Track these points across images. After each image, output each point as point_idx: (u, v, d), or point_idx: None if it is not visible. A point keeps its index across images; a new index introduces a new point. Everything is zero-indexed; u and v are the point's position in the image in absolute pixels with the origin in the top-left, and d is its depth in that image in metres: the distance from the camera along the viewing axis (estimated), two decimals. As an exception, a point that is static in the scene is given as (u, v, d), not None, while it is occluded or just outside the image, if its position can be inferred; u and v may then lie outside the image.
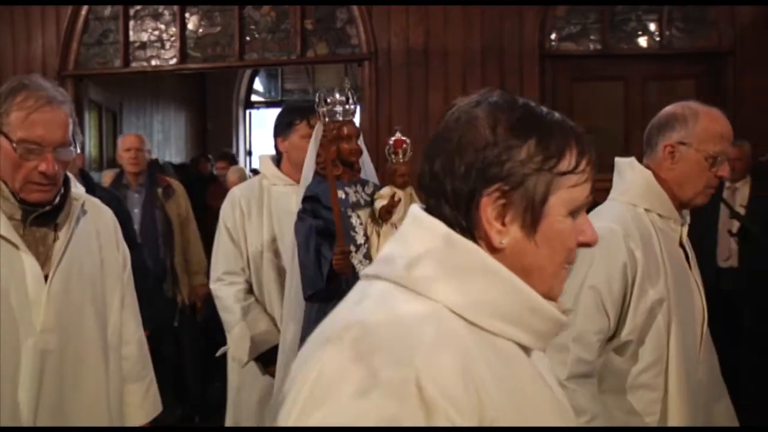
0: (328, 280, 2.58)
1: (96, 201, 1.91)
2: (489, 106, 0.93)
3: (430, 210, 0.94)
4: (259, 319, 2.71)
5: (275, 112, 10.81)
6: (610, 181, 2.00)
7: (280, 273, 2.71)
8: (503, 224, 0.90)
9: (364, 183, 2.93)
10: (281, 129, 2.78)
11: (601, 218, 1.80)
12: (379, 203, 3.48)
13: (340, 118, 2.71)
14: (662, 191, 1.89)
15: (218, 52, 5.75)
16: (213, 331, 4.58)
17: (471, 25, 5.05)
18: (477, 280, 0.89)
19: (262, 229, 2.74)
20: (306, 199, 2.67)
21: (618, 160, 2.00)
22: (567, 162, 0.92)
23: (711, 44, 5.15)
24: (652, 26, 5.29)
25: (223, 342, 2.87)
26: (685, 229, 1.95)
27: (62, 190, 1.72)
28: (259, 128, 10.02)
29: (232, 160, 5.98)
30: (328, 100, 2.69)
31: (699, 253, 4.72)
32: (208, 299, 4.19)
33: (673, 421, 1.77)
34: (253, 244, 2.74)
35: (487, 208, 0.89)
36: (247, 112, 9.77)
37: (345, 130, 2.71)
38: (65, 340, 1.69)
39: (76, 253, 1.74)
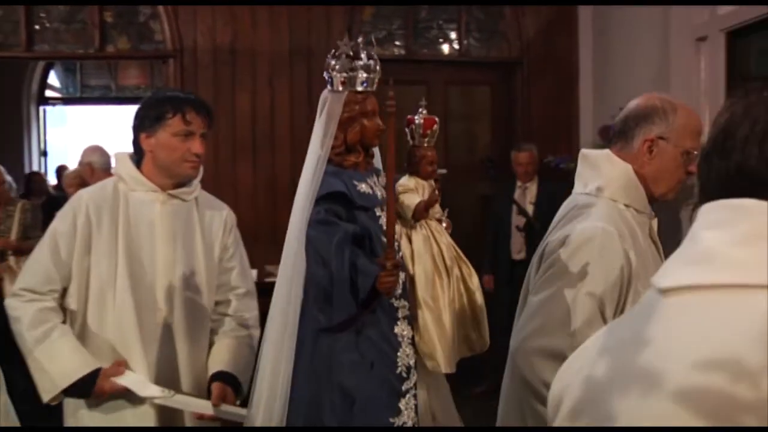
0: (365, 304, 2.09)
1: None
2: None
3: None
4: (58, 346, 2.06)
5: (74, 109, 9.98)
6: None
7: (137, 301, 2.10)
8: None
9: (377, 173, 2.41)
10: (147, 123, 2.14)
11: (588, 218, 1.73)
12: (412, 198, 3.03)
13: (362, 89, 2.21)
14: (640, 186, 1.80)
15: (0, 40, 5.25)
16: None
17: (278, 27, 5.04)
18: None
19: (114, 245, 2.11)
20: (326, 198, 2.13)
21: (589, 152, 1.89)
22: None
23: (503, 54, 5.55)
24: (453, 34, 5.60)
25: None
26: (655, 223, 1.87)
27: None
28: (56, 126, 9.30)
29: None
30: (355, 64, 2.17)
31: (497, 248, 5.01)
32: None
33: None
34: (102, 263, 2.10)
35: None
36: (41, 108, 9.02)
37: (368, 105, 2.23)
38: None
39: None
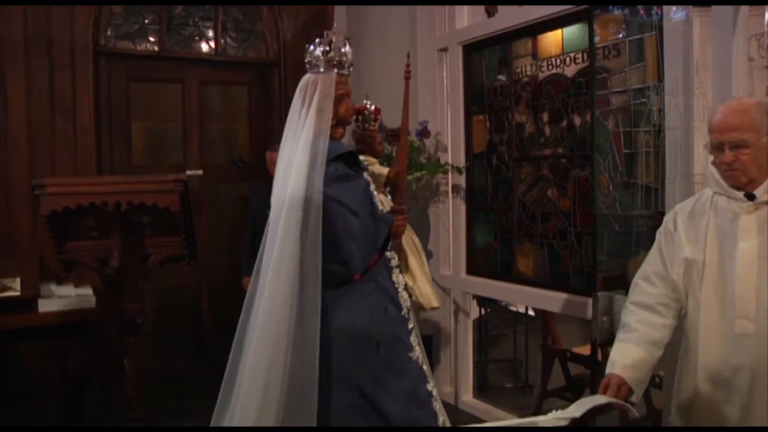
0: (381, 250, 2.46)
1: None
2: None
3: None
4: None
5: None
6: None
7: None
8: None
9: None
10: None
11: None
12: (381, 168, 3.69)
13: (347, 72, 2.55)
14: (718, 176, 2.17)
15: None
16: None
17: (11, 12, 4.55)
18: None
19: None
20: (337, 159, 2.41)
21: None
22: None
23: (261, 55, 5.57)
24: (210, 33, 5.48)
25: None
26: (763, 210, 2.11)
27: None
28: None
29: None
30: (344, 50, 2.50)
31: (256, 249, 5.11)
32: None
33: (692, 367, 2.17)
34: None
35: None
36: None
37: (348, 87, 2.56)
38: None
39: None
